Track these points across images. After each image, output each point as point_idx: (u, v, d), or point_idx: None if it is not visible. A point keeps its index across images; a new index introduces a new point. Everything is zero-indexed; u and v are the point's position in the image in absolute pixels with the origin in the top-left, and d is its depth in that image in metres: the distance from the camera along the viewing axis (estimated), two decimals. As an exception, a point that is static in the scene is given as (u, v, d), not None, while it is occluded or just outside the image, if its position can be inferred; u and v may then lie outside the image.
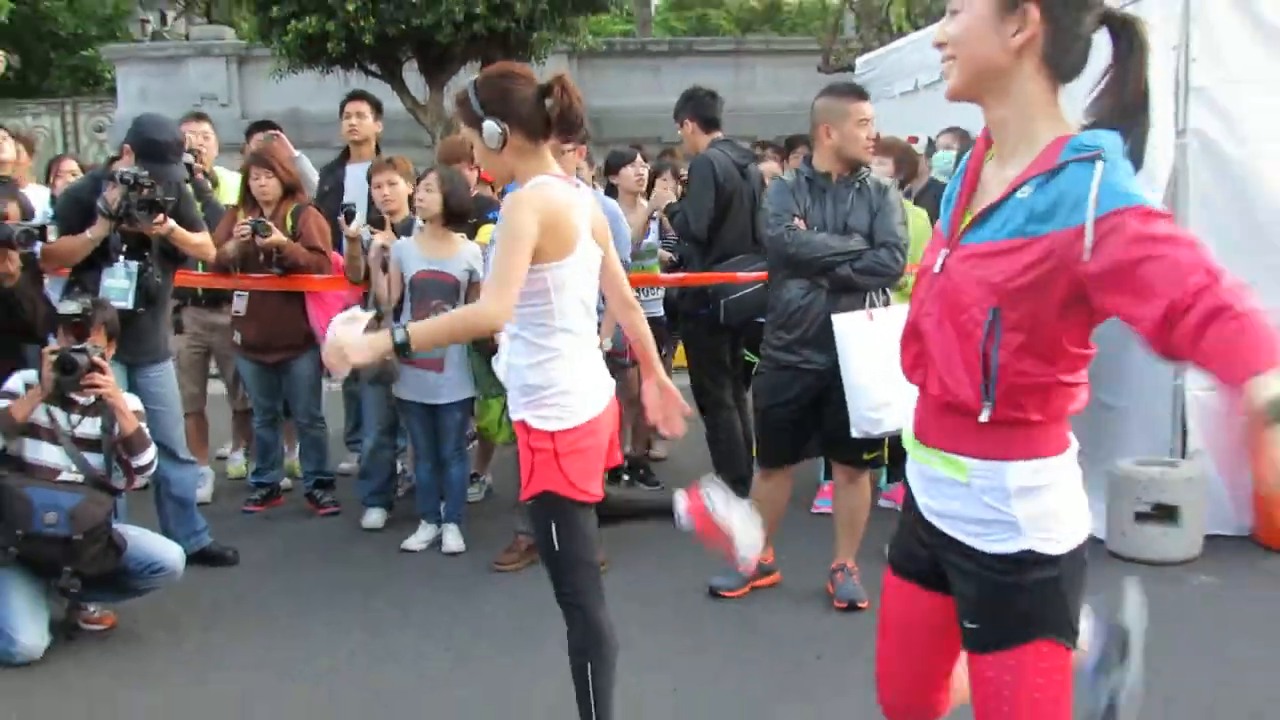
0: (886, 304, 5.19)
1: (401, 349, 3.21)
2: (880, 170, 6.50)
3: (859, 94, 5.27)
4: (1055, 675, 2.25)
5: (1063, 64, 2.17)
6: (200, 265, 6.32)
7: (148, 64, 17.81)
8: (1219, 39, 5.94)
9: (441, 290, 5.94)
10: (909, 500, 2.50)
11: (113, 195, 5.32)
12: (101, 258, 5.47)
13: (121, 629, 5.15)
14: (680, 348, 7.37)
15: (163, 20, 21.35)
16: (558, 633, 4.97)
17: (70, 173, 7.56)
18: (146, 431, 5.11)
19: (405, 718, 4.31)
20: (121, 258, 5.46)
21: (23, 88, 20.93)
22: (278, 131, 7.69)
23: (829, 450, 5.51)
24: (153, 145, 5.50)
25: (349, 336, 3.19)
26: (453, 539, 6.20)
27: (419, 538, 6.19)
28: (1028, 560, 2.22)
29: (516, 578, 5.75)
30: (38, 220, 5.55)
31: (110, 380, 4.93)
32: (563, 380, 3.45)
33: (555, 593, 3.59)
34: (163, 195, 5.41)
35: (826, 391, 5.11)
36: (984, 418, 2.19)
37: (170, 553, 5.09)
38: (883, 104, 11.32)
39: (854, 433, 5.01)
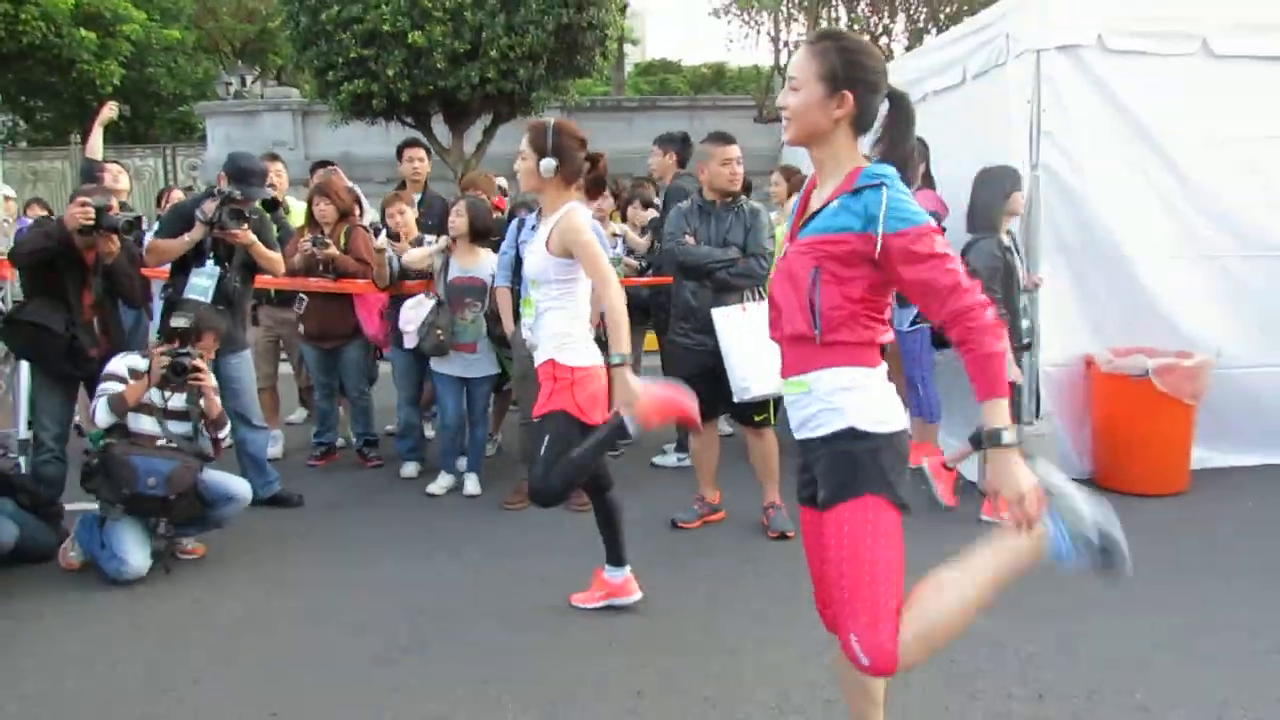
0: (760, 299, 5.24)
1: (622, 362, 3.75)
2: (776, 190, 7.09)
3: (725, 140, 5.37)
4: (882, 523, 2.39)
5: (863, 124, 2.52)
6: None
7: (231, 117, 17.68)
8: (1062, 93, 5.94)
9: (472, 291, 6.00)
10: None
11: (209, 206, 5.46)
12: (194, 258, 5.51)
13: (210, 556, 5.13)
14: (650, 335, 7.34)
15: (243, 83, 21.23)
16: (554, 556, 4.99)
17: (179, 199, 7.57)
18: (224, 413, 5.17)
19: (435, 621, 4.28)
20: (209, 261, 5.47)
21: (132, 135, 20.79)
22: (335, 166, 7.64)
23: (732, 413, 5.54)
24: (243, 172, 5.65)
25: (626, 388, 3.69)
26: (472, 484, 6.20)
27: (439, 484, 6.18)
28: (851, 434, 2.43)
29: (521, 514, 5.76)
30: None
31: (207, 376, 5.00)
32: (580, 333, 4.02)
33: (540, 484, 3.89)
34: (249, 212, 5.53)
35: (720, 368, 5.18)
36: (819, 341, 2.45)
37: (239, 485, 5.17)
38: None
39: (735, 398, 5.13)
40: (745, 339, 5.06)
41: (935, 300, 2.35)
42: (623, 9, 15.00)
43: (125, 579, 4.74)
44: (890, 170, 2.43)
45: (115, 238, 5.17)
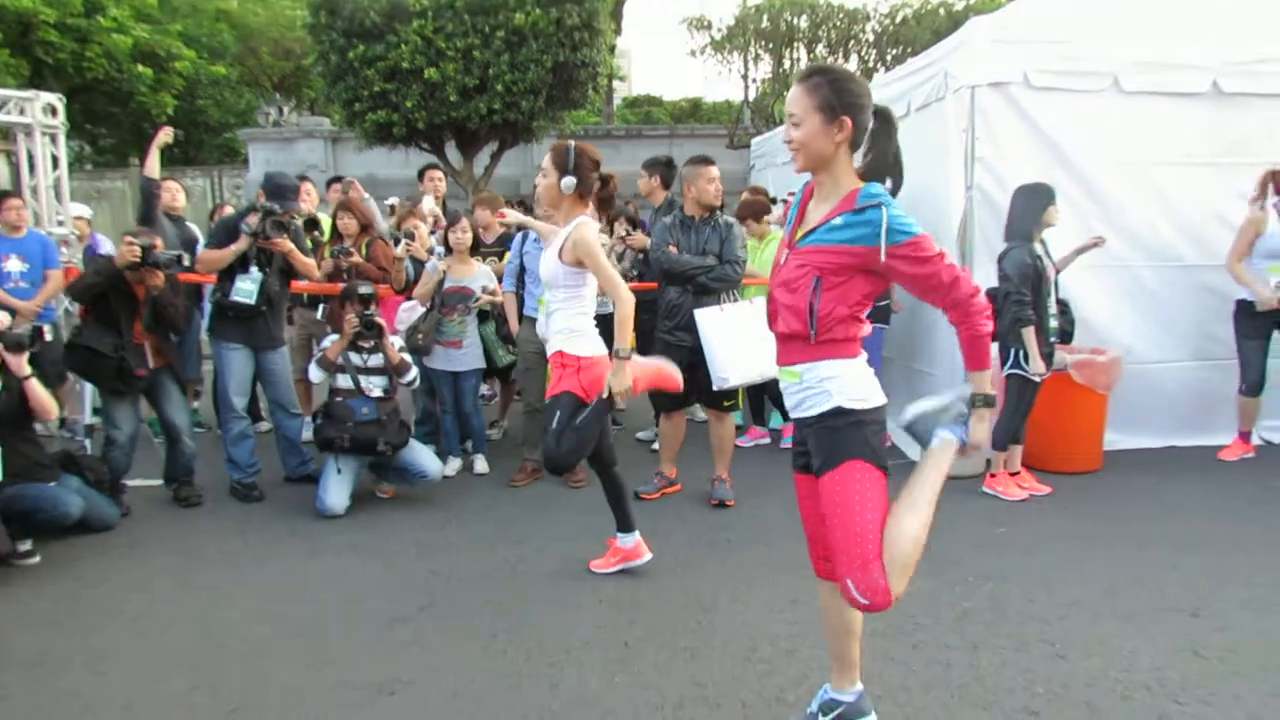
0: (735, 300, 5.31)
1: (623, 356, 3.88)
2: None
3: (708, 161, 5.42)
4: (868, 482, 2.45)
5: (857, 143, 2.49)
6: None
7: (270, 143, 17.53)
8: (993, 124, 5.95)
9: (463, 299, 5.99)
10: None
11: (254, 219, 5.48)
12: (239, 265, 5.49)
13: (253, 526, 5.10)
14: (631, 335, 7.31)
15: (280, 112, 21.04)
16: (552, 526, 4.97)
17: (228, 213, 7.53)
18: (410, 360, 5.59)
19: (448, 584, 4.27)
20: (253, 267, 5.44)
21: (184, 158, 20.62)
22: (352, 179, 7.58)
23: (703, 401, 5.57)
24: (279, 188, 5.62)
25: (619, 376, 3.89)
26: (481, 464, 6.18)
27: (450, 467, 6.12)
28: (840, 412, 2.49)
29: (525, 490, 5.75)
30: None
31: (387, 332, 5.51)
32: (585, 328, 3.98)
33: (553, 451, 3.88)
34: (288, 222, 5.55)
35: (697, 362, 5.20)
36: (812, 340, 2.48)
37: (432, 464, 5.56)
38: (770, 170, 11.33)
39: (714, 387, 5.17)
40: (725, 335, 5.08)
41: (939, 293, 2.40)
42: (612, 49, 14.97)
43: (323, 514, 5.25)
44: (883, 190, 2.45)
45: (159, 273, 5.18)
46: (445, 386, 6.12)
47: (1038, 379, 5.36)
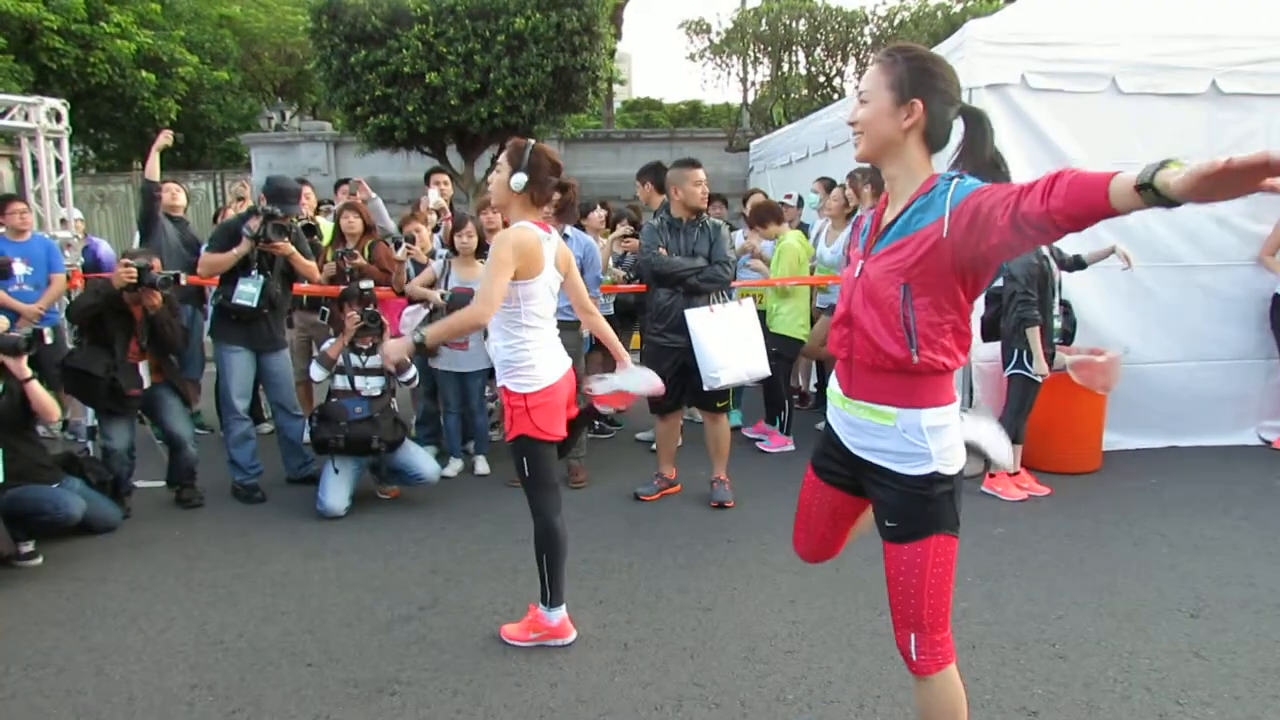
0: (725, 302, 5.29)
1: (420, 346, 3.34)
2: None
3: (694, 164, 5.38)
4: (947, 557, 2.25)
5: (935, 138, 2.18)
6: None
7: (273, 147, 17.53)
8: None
9: (468, 300, 5.90)
10: (831, 434, 2.44)
11: (255, 223, 5.47)
12: (241, 269, 5.49)
13: (253, 528, 5.08)
14: (635, 335, 7.30)
15: (283, 117, 21.06)
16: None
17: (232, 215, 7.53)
18: (408, 360, 5.36)
19: (450, 583, 4.26)
20: (255, 270, 5.44)
21: (187, 162, 20.64)
22: (360, 180, 7.57)
23: (696, 402, 5.49)
24: (281, 192, 5.61)
25: (389, 345, 3.38)
26: (482, 465, 6.17)
27: (451, 468, 6.11)
28: (935, 479, 2.20)
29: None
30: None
31: (388, 329, 5.57)
32: (529, 358, 3.45)
33: (528, 505, 3.59)
34: (289, 226, 5.54)
35: (689, 363, 5.19)
36: (915, 360, 2.14)
37: (429, 467, 5.53)
38: (769, 173, 11.34)
39: (705, 387, 5.17)
40: (715, 335, 5.09)
41: (1006, 191, 1.86)
42: (611, 53, 14.97)
43: (324, 515, 5.22)
44: (969, 177, 2.11)
45: (156, 294, 5.20)
46: (450, 387, 6.10)
47: (1039, 379, 5.35)
